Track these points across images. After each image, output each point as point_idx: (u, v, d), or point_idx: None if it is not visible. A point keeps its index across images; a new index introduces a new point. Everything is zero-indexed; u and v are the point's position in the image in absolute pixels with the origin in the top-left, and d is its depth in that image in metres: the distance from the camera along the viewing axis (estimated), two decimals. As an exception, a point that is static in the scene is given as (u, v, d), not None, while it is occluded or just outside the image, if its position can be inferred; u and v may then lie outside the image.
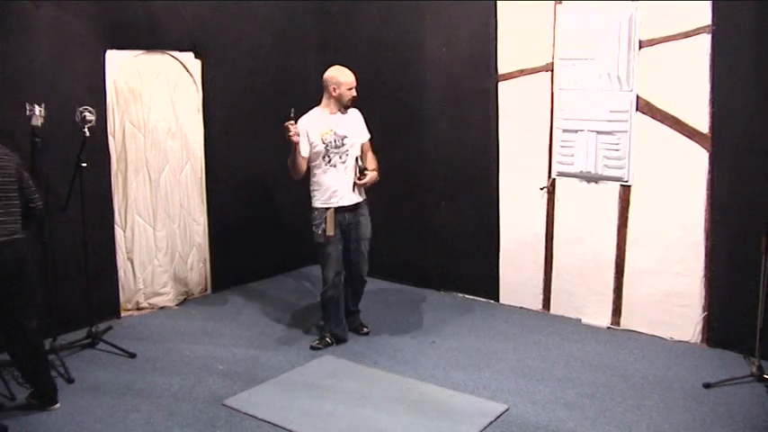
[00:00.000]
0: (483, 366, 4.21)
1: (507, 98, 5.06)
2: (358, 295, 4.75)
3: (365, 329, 4.72)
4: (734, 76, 4.12)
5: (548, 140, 4.91)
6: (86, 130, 4.09)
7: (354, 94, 4.40)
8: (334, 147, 4.33)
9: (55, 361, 4.04)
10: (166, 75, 5.07)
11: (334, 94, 4.35)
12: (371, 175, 4.43)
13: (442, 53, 5.34)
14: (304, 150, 4.33)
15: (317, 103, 4.45)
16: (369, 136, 4.56)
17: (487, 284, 5.36)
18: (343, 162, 4.37)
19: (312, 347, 4.44)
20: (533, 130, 4.96)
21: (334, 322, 4.52)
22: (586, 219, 4.81)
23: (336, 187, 4.35)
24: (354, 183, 4.39)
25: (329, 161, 4.35)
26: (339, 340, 4.53)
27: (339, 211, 4.38)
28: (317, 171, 4.38)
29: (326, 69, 4.44)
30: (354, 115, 4.52)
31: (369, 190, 4.59)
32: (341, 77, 4.35)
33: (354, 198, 4.43)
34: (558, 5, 4.73)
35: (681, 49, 4.27)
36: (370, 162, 4.52)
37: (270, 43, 5.78)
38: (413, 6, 5.44)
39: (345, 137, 4.36)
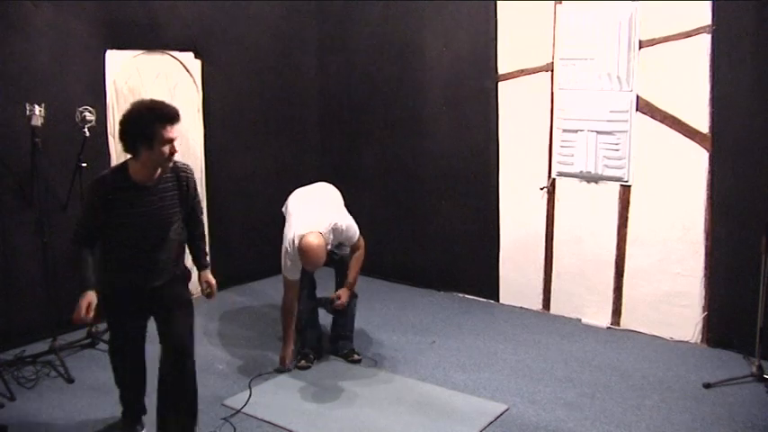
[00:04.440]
0: (483, 366, 4.21)
1: (507, 98, 5.06)
2: (342, 324, 4.29)
3: (356, 356, 4.24)
4: (734, 77, 4.12)
5: (548, 140, 4.91)
6: (86, 130, 4.10)
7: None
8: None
9: (55, 361, 4.05)
10: (166, 75, 5.07)
11: None
12: (345, 296, 4.11)
13: (442, 53, 5.34)
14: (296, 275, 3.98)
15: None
16: (357, 236, 4.09)
17: (487, 284, 5.35)
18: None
19: (299, 368, 4.12)
20: (533, 129, 4.96)
21: (313, 342, 4.27)
22: (586, 219, 4.81)
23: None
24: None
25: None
26: (317, 353, 4.28)
27: None
28: None
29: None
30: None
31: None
32: None
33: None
34: (558, 5, 4.72)
35: (681, 49, 4.27)
36: (353, 266, 4.12)
37: (270, 43, 5.78)
38: (413, 6, 5.44)
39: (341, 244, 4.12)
